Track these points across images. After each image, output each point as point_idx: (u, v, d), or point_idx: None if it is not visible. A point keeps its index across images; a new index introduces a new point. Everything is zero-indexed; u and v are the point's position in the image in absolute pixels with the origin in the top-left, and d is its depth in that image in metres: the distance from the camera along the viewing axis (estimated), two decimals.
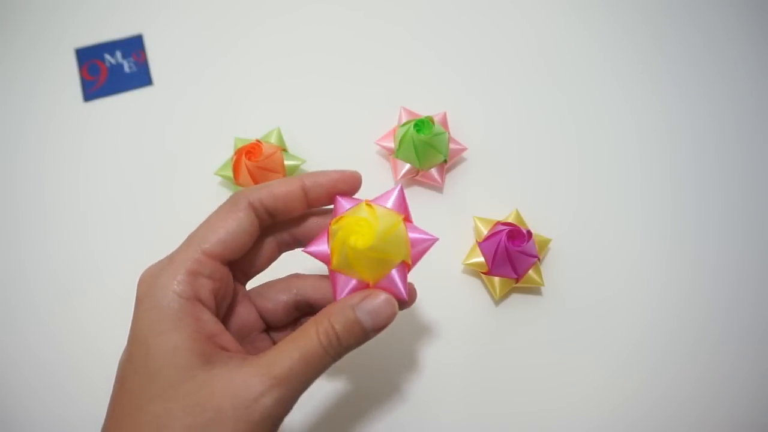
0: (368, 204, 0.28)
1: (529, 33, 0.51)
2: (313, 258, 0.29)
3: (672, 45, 0.51)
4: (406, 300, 0.29)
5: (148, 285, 0.27)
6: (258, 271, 0.32)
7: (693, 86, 0.49)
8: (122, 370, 0.27)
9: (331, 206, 0.30)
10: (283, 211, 0.30)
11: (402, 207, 0.29)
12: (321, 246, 0.29)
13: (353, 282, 0.28)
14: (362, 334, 0.27)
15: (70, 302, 0.43)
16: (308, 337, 0.26)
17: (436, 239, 0.29)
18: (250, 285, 0.33)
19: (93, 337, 0.42)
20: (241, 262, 0.30)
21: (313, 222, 0.31)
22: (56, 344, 0.42)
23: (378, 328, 0.27)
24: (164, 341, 0.25)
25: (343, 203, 0.30)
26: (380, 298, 0.27)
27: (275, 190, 0.29)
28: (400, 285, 0.28)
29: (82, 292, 0.43)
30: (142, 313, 0.26)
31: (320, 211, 0.32)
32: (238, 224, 0.28)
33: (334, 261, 0.28)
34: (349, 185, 0.30)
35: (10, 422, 0.40)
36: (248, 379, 0.25)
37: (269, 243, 0.31)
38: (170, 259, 0.27)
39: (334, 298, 0.28)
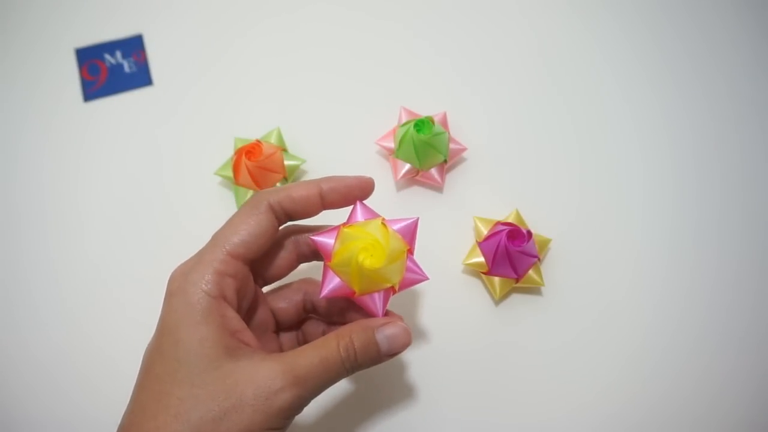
0: (384, 224, 0.30)
1: (529, 33, 0.51)
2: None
3: (672, 45, 0.51)
4: (379, 317, 0.31)
5: (179, 282, 0.29)
6: (277, 277, 0.34)
7: (693, 86, 0.49)
8: (149, 357, 0.28)
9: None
10: (301, 213, 0.31)
11: (411, 238, 0.31)
12: (327, 239, 0.31)
13: (339, 282, 0.30)
14: (376, 354, 0.29)
15: (69, 302, 0.43)
16: (329, 347, 0.28)
17: (427, 278, 0.31)
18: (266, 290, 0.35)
19: (92, 337, 0.42)
20: (262, 268, 0.33)
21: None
22: (56, 344, 0.42)
23: (391, 354, 0.30)
24: (193, 333, 0.27)
25: (361, 211, 0.31)
26: (399, 326, 0.30)
27: (294, 194, 0.31)
28: (379, 306, 0.30)
29: (81, 291, 0.43)
30: (173, 307, 0.28)
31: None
32: (258, 226, 0.30)
33: (335, 260, 0.30)
34: (363, 191, 0.32)
35: (10, 422, 0.40)
36: (271, 374, 0.27)
37: (290, 254, 0.34)
38: (198, 258, 0.29)
39: (320, 290, 0.30)
